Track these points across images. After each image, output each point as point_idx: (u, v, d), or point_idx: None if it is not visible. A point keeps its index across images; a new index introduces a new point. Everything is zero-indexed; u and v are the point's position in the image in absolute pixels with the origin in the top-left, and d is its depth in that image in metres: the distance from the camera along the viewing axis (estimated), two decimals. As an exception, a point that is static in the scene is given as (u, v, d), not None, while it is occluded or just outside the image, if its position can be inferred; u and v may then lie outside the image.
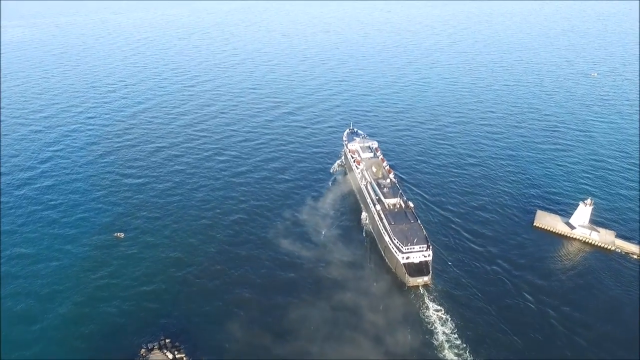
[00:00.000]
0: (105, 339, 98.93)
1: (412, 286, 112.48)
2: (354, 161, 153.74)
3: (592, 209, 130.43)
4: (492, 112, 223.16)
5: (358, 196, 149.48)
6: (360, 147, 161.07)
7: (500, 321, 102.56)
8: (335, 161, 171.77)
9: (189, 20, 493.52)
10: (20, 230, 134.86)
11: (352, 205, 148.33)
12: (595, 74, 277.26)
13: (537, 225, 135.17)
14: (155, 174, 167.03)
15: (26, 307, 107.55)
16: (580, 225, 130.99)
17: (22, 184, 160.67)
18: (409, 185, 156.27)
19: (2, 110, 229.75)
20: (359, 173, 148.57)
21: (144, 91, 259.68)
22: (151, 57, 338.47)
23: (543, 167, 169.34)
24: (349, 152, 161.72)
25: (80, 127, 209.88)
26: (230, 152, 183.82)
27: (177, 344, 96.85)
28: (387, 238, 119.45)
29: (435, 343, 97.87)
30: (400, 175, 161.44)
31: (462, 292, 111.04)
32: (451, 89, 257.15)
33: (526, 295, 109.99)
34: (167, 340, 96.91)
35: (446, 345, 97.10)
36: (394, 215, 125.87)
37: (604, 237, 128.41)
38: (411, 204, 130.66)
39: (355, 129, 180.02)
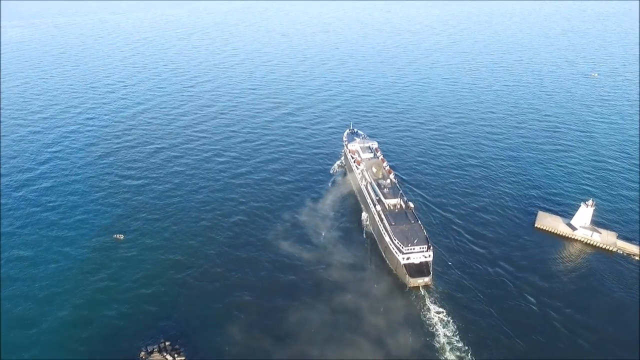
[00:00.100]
0: (104, 342, 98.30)
1: (412, 287, 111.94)
2: (354, 161, 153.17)
3: (594, 210, 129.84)
4: (493, 112, 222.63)
5: (358, 197, 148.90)
6: (361, 148, 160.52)
7: (502, 323, 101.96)
8: (335, 162, 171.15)
9: (189, 21, 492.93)
10: (19, 232, 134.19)
11: (352, 206, 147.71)
12: (596, 74, 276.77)
13: (538, 226, 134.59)
14: (154, 175, 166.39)
15: (24, 310, 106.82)
16: (581, 226, 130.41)
17: (20, 185, 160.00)
18: (409, 186, 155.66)
19: (1, 111, 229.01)
20: (359, 173, 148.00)
21: (143, 92, 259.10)
22: (150, 57, 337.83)
23: (544, 167, 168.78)
24: (349, 152, 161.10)
25: (79, 128, 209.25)
26: (230, 153, 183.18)
27: (176, 346, 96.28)
28: (387, 239, 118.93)
29: (437, 345, 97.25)
30: (401, 176, 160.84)
31: (463, 294, 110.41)
32: (451, 90, 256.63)
33: (528, 297, 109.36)
34: (167, 343, 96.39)
35: (447, 348, 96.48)
36: (394, 215, 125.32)
37: (606, 239, 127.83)
38: (411, 205, 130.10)
39: (356, 130, 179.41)
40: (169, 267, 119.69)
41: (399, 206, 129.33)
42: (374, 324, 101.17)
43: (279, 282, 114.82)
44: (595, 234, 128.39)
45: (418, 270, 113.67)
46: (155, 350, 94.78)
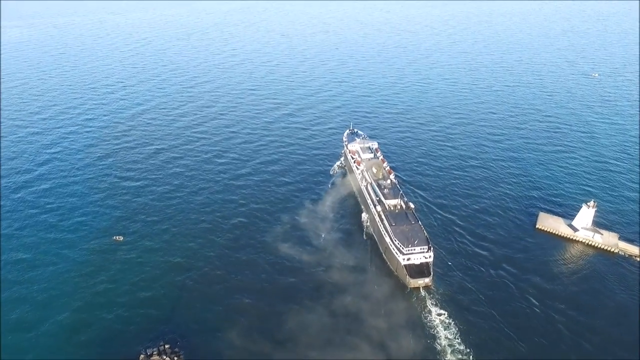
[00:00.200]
0: (103, 345, 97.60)
1: (413, 287, 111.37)
2: (354, 162, 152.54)
3: (595, 211, 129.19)
4: (493, 113, 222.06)
5: (358, 197, 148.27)
6: (361, 148, 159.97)
7: (504, 325, 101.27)
8: (335, 163, 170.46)
9: (188, 21, 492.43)
10: (17, 235, 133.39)
11: (352, 207, 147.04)
12: (596, 75, 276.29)
13: (540, 227, 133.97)
14: (154, 176, 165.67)
15: (23, 313, 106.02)
16: (583, 227, 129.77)
17: (19, 187, 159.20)
18: (410, 187, 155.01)
19: (0, 111, 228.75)
20: (359, 174, 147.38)
21: (142, 92, 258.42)
22: (150, 58, 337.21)
23: (545, 168, 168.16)
24: (349, 152, 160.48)
25: (79, 129, 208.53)
26: (229, 154, 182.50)
27: (176, 349, 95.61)
28: (387, 239, 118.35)
29: (438, 348, 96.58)
30: (402, 177, 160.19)
31: (464, 296, 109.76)
32: (451, 90, 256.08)
33: (530, 298, 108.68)
34: (167, 346, 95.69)
35: (449, 350, 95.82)
36: (394, 216, 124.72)
37: (607, 240, 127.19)
38: (412, 205, 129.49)
39: (356, 130, 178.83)
40: (169, 269, 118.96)
41: (399, 207, 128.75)
42: (374, 327, 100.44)
43: (278, 285, 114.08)
44: (596, 235, 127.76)
45: (418, 271, 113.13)
46: (155, 353, 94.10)
